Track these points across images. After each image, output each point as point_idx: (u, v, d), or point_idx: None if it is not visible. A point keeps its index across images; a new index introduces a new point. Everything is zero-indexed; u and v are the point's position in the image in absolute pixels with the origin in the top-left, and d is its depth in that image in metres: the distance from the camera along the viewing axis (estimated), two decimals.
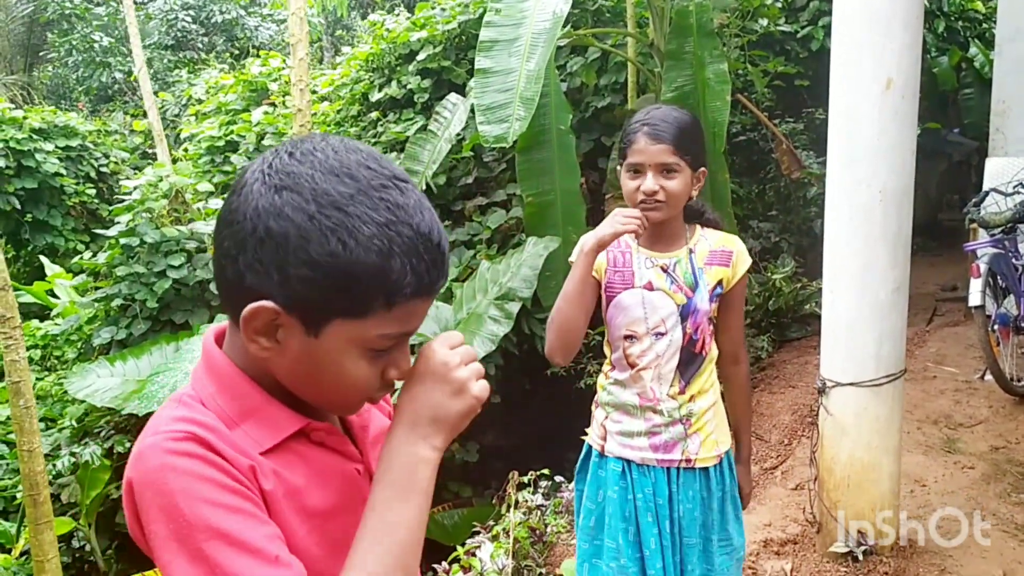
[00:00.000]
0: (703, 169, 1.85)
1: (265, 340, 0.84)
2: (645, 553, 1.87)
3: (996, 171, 5.26)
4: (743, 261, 1.90)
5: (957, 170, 9.23)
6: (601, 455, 1.94)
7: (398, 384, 0.92)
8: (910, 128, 2.74)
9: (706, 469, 1.90)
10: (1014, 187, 4.60)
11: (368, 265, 0.80)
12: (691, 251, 1.87)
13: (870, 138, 2.70)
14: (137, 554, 5.10)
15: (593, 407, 2.03)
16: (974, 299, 4.13)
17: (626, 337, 1.86)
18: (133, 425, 5.16)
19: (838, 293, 2.87)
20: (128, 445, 4.97)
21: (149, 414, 4.42)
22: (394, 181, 0.84)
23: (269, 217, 0.80)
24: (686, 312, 1.84)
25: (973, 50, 8.50)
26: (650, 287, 1.84)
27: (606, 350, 1.96)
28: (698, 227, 1.92)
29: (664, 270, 1.85)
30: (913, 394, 4.40)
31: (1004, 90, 5.55)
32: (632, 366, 1.87)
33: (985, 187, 4.86)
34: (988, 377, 4.38)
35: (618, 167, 1.89)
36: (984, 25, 8.62)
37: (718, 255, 1.89)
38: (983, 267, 4.21)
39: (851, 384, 2.86)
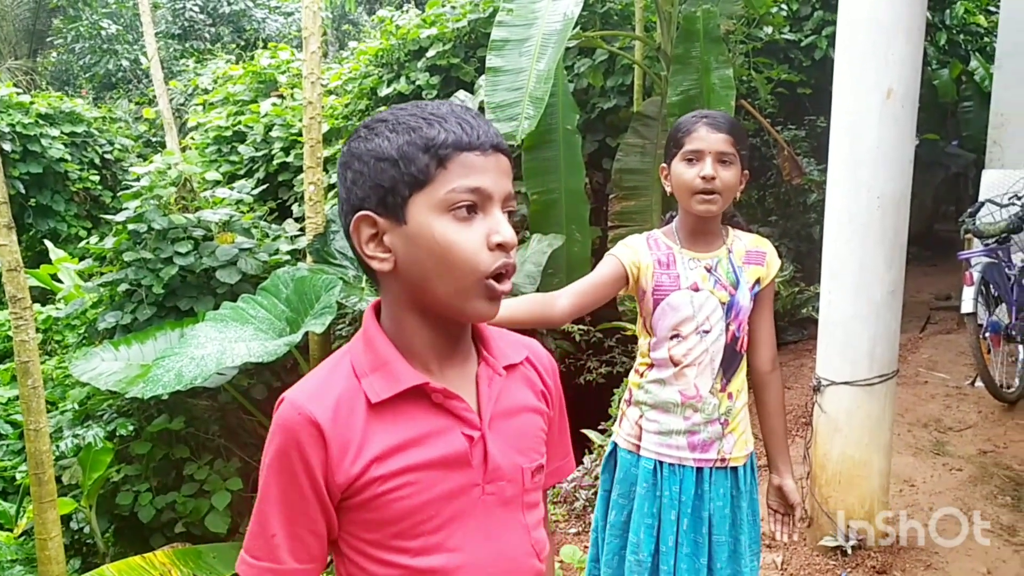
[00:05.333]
0: (746, 172, 1.91)
1: (379, 251, 0.98)
2: (662, 549, 1.90)
3: (992, 183, 5.35)
4: (775, 261, 1.97)
5: (954, 181, 9.34)
6: (631, 453, 1.97)
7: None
8: (908, 136, 2.83)
9: (735, 468, 1.94)
10: (1009, 199, 4.70)
11: (409, 139, 0.95)
12: (729, 251, 1.92)
13: (870, 145, 2.79)
14: (135, 536, 5.18)
15: (623, 406, 2.04)
16: (966, 306, 4.22)
17: (672, 337, 1.89)
18: (136, 409, 5.22)
19: (835, 294, 2.96)
20: (130, 428, 5.02)
21: (152, 398, 4.51)
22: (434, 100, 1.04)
23: (342, 156, 1.01)
24: (729, 310, 1.88)
25: (974, 63, 8.59)
26: (696, 288, 1.88)
27: (642, 349, 1.97)
28: (729, 228, 1.98)
29: (708, 270, 1.89)
30: (905, 398, 4.49)
31: (1002, 104, 5.65)
32: (676, 364, 1.90)
33: (981, 198, 4.95)
34: (978, 383, 4.47)
35: (664, 165, 1.93)
36: (985, 39, 8.70)
37: (753, 255, 1.94)
38: (976, 276, 4.29)
39: (845, 383, 2.94)
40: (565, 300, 1.83)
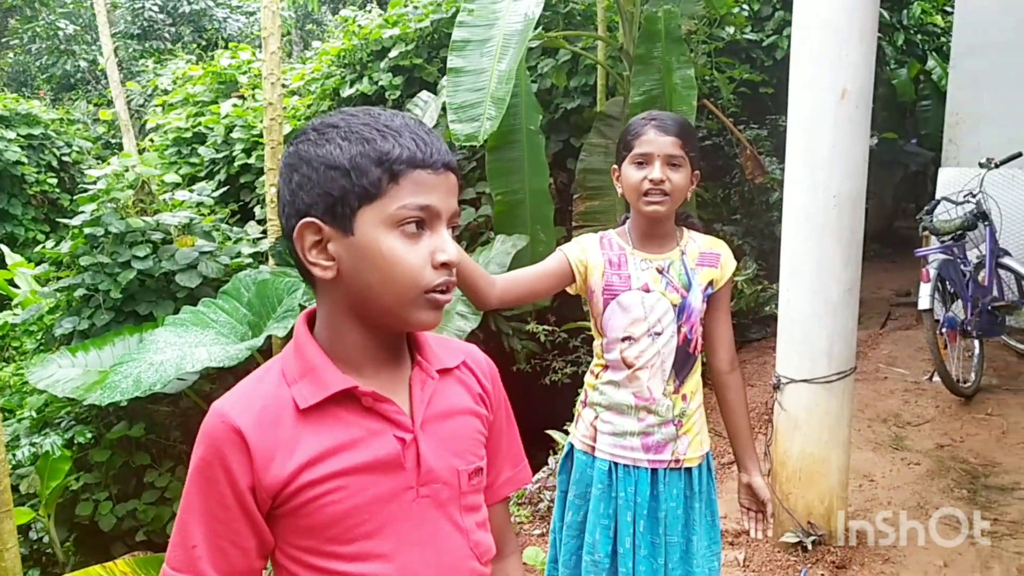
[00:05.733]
0: (697, 172, 1.91)
1: (322, 258, 0.97)
2: (619, 551, 1.90)
3: (948, 181, 5.45)
4: (730, 263, 1.96)
5: (913, 179, 9.49)
6: (587, 454, 1.97)
7: None
8: (863, 136, 2.86)
9: (690, 469, 1.95)
10: (964, 196, 4.77)
11: (362, 150, 0.95)
12: (683, 252, 1.92)
13: (825, 145, 2.82)
14: (96, 545, 5.09)
15: (579, 407, 2.04)
16: (923, 303, 4.28)
17: (624, 339, 1.89)
18: (94, 416, 5.13)
19: (794, 292, 2.99)
20: (89, 436, 4.93)
21: (111, 404, 4.43)
22: (385, 109, 1.02)
23: (288, 156, 1.00)
24: (681, 312, 1.88)
25: (931, 63, 8.74)
26: (647, 289, 1.87)
27: (597, 351, 1.98)
28: (684, 229, 1.97)
29: (660, 272, 1.89)
30: (865, 394, 4.55)
31: (957, 103, 5.76)
32: (629, 366, 1.90)
33: (937, 196, 5.03)
34: (936, 378, 4.54)
35: (615, 166, 1.93)
36: (942, 39, 8.86)
37: (707, 256, 1.94)
38: (932, 272, 4.36)
39: (804, 380, 2.97)
40: (499, 285, 1.82)
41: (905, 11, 8.75)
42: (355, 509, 0.98)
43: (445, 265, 0.98)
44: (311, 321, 1.06)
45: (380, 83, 6.59)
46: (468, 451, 1.09)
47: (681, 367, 1.91)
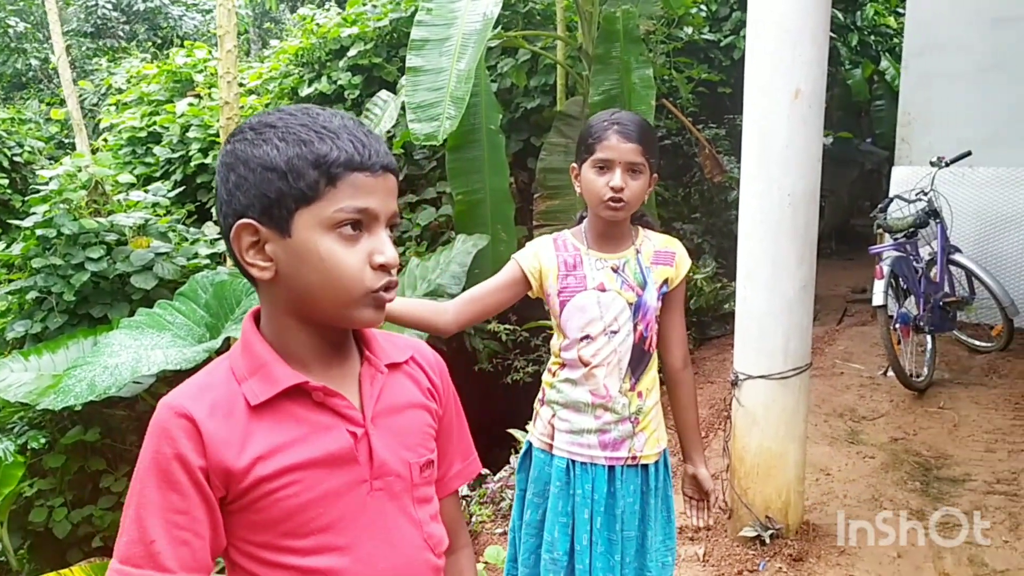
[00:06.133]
0: (656, 175, 1.92)
1: (260, 259, 0.97)
2: (576, 548, 1.91)
3: (901, 179, 5.56)
4: (684, 262, 1.98)
5: (869, 178, 9.67)
6: (545, 452, 1.98)
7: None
8: (816, 135, 2.91)
9: (647, 466, 1.96)
10: (916, 194, 4.87)
11: (299, 152, 0.94)
12: (638, 251, 1.92)
13: (779, 144, 2.86)
14: (51, 553, 4.98)
15: (537, 405, 2.05)
16: (877, 299, 4.36)
17: (582, 338, 1.90)
18: (48, 421, 5.02)
19: (750, 290, 3.02)
20: (43, 441, 4.83)
21: (65, 409, 4.35)
22: (324, 108, 1.01)
23: (225, 155, 0.98)
24: (637, 310, 1.89)
25: (884, 63, 8.92)
26: (602, 288, 1.88)
27: (554, 349, 1.99)
28: (640, 228, 1.98)
29: (615, 270, 1.90)
30: (821, 389, 4.63)
31: (909, 103, 5.88)
32: (586, 364, 1.91)
33: (891, 194, 5.13)
34: (890, 373, 4.63)
35: (574, 164, 1.93)
36: (895, 40, 9.04)
37: (662, 255, 1.95)
38: (886, 269, 4.44)
39: (761, 377, 3.01)
40: (454, 309, 1.86)
41: (859, 12, 8.91)
42: (310, 503, 0.98)
43: (383, 267, 0.98)
44: (258, 319, 1.06)
45: (339, 82, 6.55)
46: (419, 444, 1.10)
47: (637, 365, 1.93)
